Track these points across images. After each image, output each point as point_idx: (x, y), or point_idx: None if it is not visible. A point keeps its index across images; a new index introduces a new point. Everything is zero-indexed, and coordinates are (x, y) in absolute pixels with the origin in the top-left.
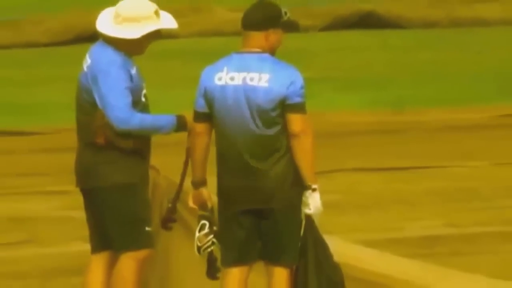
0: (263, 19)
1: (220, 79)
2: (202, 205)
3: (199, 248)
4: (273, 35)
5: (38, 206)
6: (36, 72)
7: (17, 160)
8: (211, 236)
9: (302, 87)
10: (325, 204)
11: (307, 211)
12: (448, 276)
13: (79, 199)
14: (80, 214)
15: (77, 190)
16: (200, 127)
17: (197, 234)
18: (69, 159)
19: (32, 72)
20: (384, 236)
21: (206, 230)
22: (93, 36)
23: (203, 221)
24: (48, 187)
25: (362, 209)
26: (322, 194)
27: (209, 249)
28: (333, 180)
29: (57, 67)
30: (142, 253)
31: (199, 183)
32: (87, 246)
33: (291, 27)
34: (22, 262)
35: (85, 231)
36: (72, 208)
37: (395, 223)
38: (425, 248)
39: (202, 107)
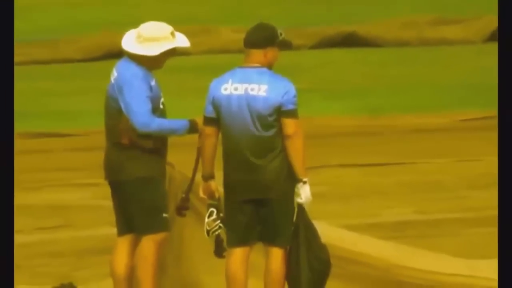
0: (262, 39)
1: (225, 89)
2: (211, 195)
3: (208, 232)
4: (271, 52)
5: (73, 196)
6: (70, 84)
7: (55, 157)
8: (218, 221)
9: (294, 96)
10: (314, 195)
11: (299, 200)
12: (417, 254)
13: (107, 190)
14: (108, 203)
15: (106, 182)
16: (209, 130)
17: (206, 219)
18: (99, 157)
19: (67, 84)
20: (363, 222)
21: (214, 216)
22: (119, 54)
23: (211, 209)
24: (81, 180)
25: (345, 199)
26: (311, 186)
27: (216, 232)
28: (320, 174)
29: (88, 80)
30: (160, 236)
31: (208, 177)
32: (114, 230)
33: (286, 45)
34: (59, 243)
35: (112, 217)
36: (101, 198)
37: (372, 210)
38: (397, 231)
39: (211, 113)
